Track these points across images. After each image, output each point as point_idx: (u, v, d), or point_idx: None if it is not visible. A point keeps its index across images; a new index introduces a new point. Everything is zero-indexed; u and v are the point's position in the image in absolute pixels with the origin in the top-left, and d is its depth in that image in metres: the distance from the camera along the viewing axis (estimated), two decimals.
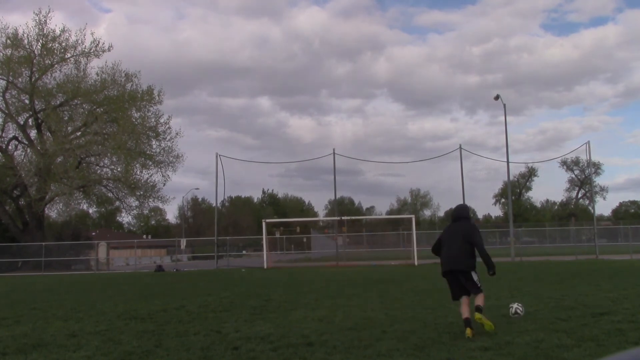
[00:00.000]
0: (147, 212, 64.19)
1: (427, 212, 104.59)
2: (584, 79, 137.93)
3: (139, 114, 40.70)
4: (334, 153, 35.67)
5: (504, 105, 35.31)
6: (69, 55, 38.46)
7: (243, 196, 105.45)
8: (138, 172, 40.97)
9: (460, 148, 35.36)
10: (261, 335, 7.23)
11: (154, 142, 41.22)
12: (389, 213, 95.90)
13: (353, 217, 48.22)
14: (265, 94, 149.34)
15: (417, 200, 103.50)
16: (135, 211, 47.13)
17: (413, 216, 35.08)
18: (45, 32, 37.40)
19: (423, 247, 38.68)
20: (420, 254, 31.27)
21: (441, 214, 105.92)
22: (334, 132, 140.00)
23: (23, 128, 39.47)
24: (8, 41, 37.09)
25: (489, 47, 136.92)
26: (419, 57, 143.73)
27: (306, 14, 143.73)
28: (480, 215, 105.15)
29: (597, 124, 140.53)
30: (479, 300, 7.11)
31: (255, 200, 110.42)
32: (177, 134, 41.63)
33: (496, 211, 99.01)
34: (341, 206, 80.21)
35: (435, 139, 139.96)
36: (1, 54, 37.21)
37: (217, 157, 35.09)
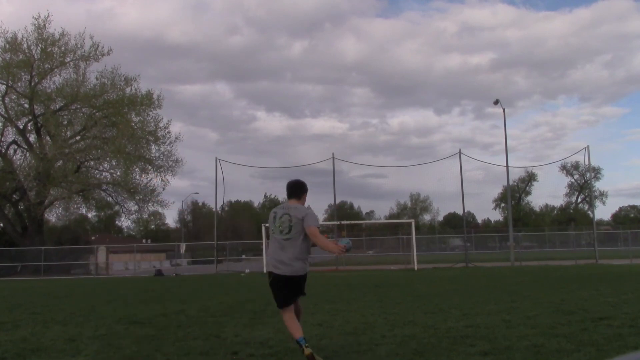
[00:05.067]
0: (146, 216, 64.13)
1: (427, 217, 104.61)
2: (580, 63, 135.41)
3: (138, 118, 40.74)
4: (333, 157, 35.71)
5: (504, 109, 35.35)
6: (68, 59, 38.52)
7: (243, 200, 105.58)
8: (137, 177, 41.01)
9: (460, 153, 35.39)
10: (260, 340, 7.22)
11: (153, 147, 41.26)
12: (388, 217, 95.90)
13: (353, 222, 48.20)
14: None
15: (417, 205, 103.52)
16: (134, 215, 47.14)
17: (412, 220, 35.08)
18: (44, 36, 37.46)
19: (422, 251, 38.74)
20: (420, 258, 31.28)
21: (440, 218, 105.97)
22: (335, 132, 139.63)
23: (22, 132, 39.49)
24: (7, 45, 37.14)
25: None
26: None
27: None
28: (479, 219, 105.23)
29: (598, 123, 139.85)
30: None
31: (256, 204, 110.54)
32: (176, 138, 41.68)
33: (496, 215, 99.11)
34: (341, 210, 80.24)
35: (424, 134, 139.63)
36: (0, 59, 37.25)
37: (216, 161, 35.13)
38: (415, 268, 28.99)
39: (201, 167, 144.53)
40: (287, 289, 5.96)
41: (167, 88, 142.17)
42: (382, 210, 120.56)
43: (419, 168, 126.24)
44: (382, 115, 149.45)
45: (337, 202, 38.61)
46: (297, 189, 6.33)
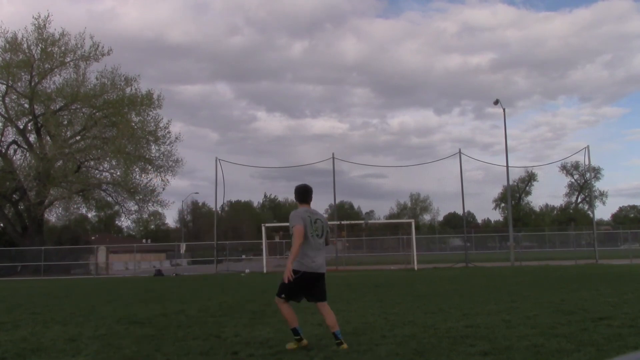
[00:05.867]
0: (146, 216, 64.08)
1: (427, 217, 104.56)
2: (580, 63, 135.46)
3: (138, 118, 40.73)
4: (333, 157, 35.70)
5: (504, 109, 35.33)
6: (68, 59, 38.51)
7: (243, 200, 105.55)
8: (137, 177, 40.99)
9: (460, 153, 35.37)
10: (260, 340, 7.22)
11: (153, 147, 41.24)
12: (388, 217, 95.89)
13: (353, 222, 48.21)
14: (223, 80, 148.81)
15: (417, 205, 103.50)
16: (134, 215, 47.13)
17: (412, 220, 35.08)
18: (44, 36, 37.45)
19: (422, 251, 38.78)
20: (420, 258, 31.28)
21: (440, 218, 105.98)
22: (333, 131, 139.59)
23: (22, 132, 39.49)
24: (7, 45, 37.14)
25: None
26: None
27: None
28: (479, 219, 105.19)
29: (597, 123, 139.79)
30: None
31: (256, 204, 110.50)
32: (176, 138, 41.66)
33: (496, 215, 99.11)
34: (341, 210, 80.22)
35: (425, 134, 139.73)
36: (0, 59, 37.25)
37: (216, 161, 35.12)
38: (415, 268, 28.98)
39: (201, 167, 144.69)
40: (320, 283, 6.73)
41: (168, 88, 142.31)
42: (382, 210, 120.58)
43: (419, 168, 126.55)
44: (382, 115, 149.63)
45: (337, 202, 38.63)
46: (310, 194, 6.91)
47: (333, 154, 35.80)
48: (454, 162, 36.54)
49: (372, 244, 51.82)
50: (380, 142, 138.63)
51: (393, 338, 7.11)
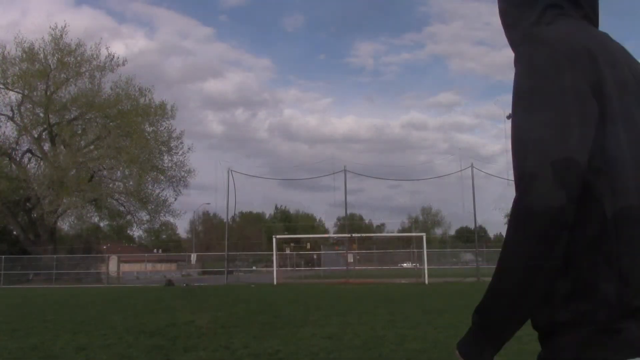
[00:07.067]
0: (157, 226, 64.24)
1: (438, 231, 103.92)
2: None
3: (151, 128, 41.03)
4: (344, 170, 35.68)
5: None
6: (84, 69, 38.95)
7: (255, 212, 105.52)
8: (150, 186, 41.21)
9: (472, 167, 35.22)
10: (269, 352, 7.19)
11: (165, 157, 41.49)
12: (400, 231, 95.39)
13: (364, 235, 48.06)
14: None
15: (429, 219, 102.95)
16: (146, 225, 47.26)
17: (424, 234, 34.87)
18: (61, 46, 37.92)
19: (433, 265, 38.52)
20: (430, 272, 31.07)
21: (452, 232, 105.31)
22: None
23: (37, 141, 39.86)
24: (24, 55, 37.62)
25: None
26: None
27: None
28: (491, 234, 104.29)
29: None
30: None
31: (267, 216, 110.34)
32: (189, 148, 41.91)
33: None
34: (352, 223, 79.95)
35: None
36: (17, 68, 37.71)
37: (228, 172, 35.24)
38: (427, 282, 28.81)
39: (212, 178, 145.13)
40: None
41: (176, 92, 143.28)
42: (393, 224, 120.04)
43: (430, 181, 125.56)
44: (391, 126, 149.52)
45: (347, 214, 38.58)
46: None
47: (345, 167, 35.80)
48: (464, 174, 36.25)
49: (383, 258, 51.55)
50: (392, 153, 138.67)
51: (403, 352, 7.06)
